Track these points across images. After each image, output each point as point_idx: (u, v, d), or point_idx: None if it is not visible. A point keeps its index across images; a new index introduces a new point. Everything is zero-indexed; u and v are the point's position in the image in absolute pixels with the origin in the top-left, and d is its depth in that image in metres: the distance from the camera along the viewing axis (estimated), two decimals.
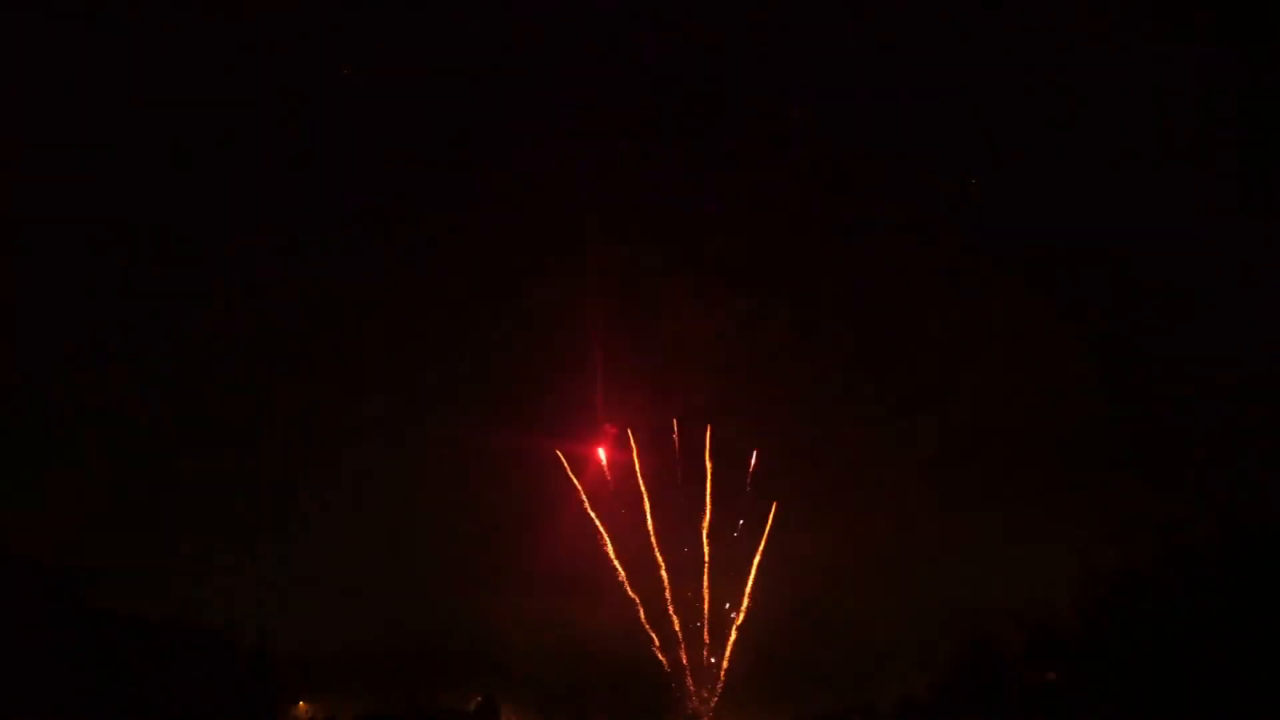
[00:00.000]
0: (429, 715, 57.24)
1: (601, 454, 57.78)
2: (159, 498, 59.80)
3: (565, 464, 57.55)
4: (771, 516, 56.32)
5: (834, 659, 56.82)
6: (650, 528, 57.21)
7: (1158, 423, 57.11)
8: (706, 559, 56.36)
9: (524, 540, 58.68)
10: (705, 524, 56.75)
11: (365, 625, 58.06)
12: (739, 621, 55.90)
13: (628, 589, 56.20)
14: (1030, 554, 53.54)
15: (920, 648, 53.80)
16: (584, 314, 59.54)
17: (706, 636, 56.32)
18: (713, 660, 56.16)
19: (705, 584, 56.25)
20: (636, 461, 57.59)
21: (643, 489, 57.19)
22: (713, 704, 56.12)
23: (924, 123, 61.50)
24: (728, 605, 56.35)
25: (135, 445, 59.81)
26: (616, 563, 56.37)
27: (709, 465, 57.16)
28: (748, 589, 55.91)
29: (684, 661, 56.30)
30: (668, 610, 56.52)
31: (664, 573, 56.49)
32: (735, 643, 56.09)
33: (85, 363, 60.15)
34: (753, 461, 57.38)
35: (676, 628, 56.32)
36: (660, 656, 56.08)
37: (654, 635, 56.16)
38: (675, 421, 57.46)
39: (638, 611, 56.28)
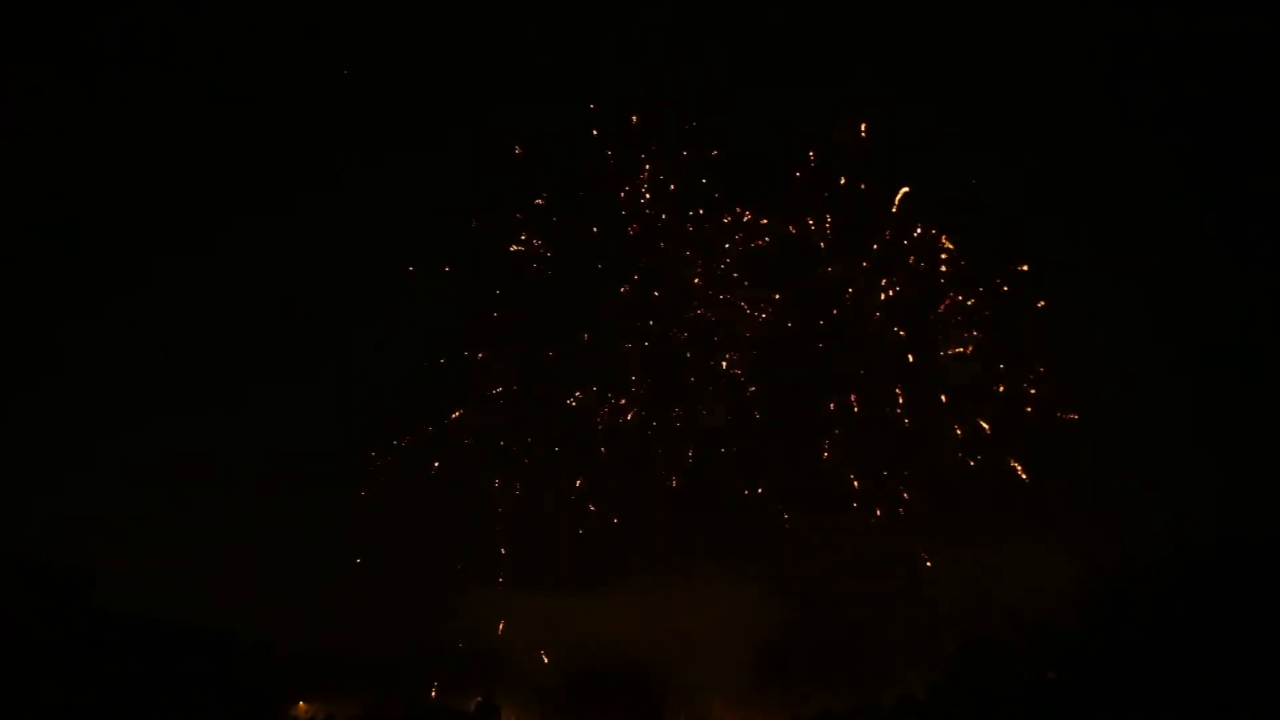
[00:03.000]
0: (429, 715, 57.28)
1: None
2: (159, 496, 60.27)
3: None
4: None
5: (834, 659, 56.94)
6: None
7: (1158, 424, 57.42)
8: None
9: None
10: None
11: (365, 625, 58.34)
12: None
13: None
14: (1031, 554, 53.77)
15: (920, 648, 53.92)
16: None
17: None
18: None
19: None
20: None
21: None
22: None
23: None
24: None
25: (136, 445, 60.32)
26: None
27: None
28: None
29: None
30: None
31: None
32: None
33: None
34: None
35: None
36: None
37: None
38: None
39: None
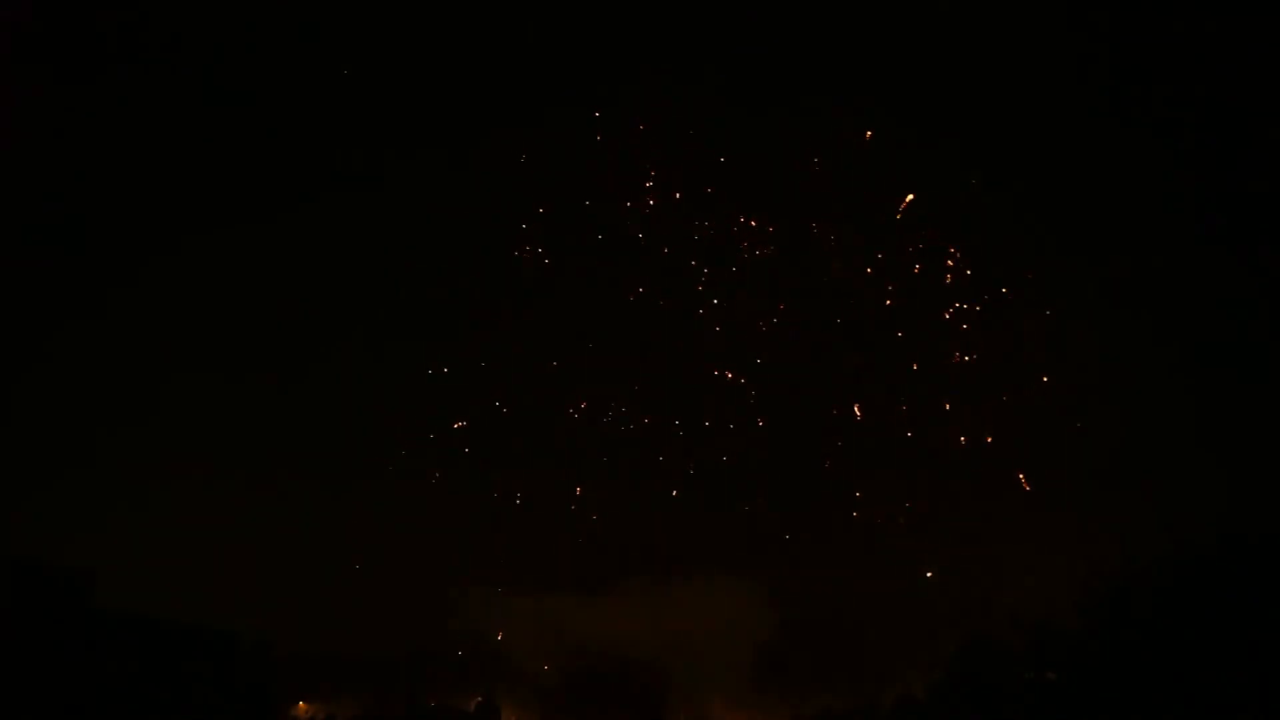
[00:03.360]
0: (429, 715, 57.28)
1: None
2: (159, 496, 60.25)
3: None
4: None
5: (834, 659, 56.94)
6: None
7: (1158, 424, 57.39)
8: None
9: None
10: None
11: (365, 625, 58.33)
12: None
13: None
14: (1031, 554, 53.77)
15: (920, 648, 53.92)
16: None
17: None
18: None
19: None
20: None
21: None
22: None
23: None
24: None
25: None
26: None
27: None
28: None
29: None
30: None
31: None
32: None
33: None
34: None
35: None
36: None
37: None
38: None
39: None
